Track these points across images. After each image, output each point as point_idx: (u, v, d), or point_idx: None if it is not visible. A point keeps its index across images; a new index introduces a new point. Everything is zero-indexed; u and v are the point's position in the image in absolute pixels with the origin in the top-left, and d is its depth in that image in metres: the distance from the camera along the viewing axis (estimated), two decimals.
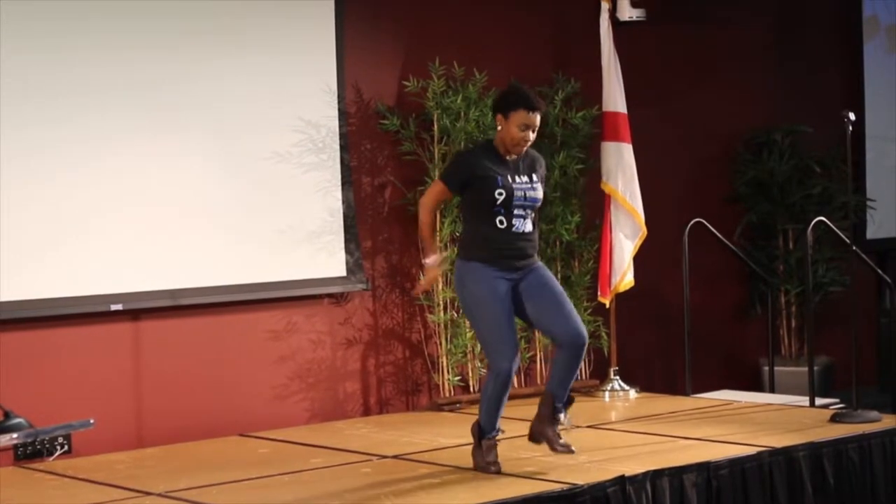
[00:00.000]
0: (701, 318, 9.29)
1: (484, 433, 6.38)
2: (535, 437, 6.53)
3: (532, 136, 6.30)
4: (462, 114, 8.42)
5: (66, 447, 7.19)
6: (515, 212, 6.28)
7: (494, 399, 6.33)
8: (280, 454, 7.16)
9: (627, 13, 9.21)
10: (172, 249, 7.65)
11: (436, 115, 8.40)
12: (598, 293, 8.85)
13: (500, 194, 6.22)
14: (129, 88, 7.52)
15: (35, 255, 7.22)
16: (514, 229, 6.28)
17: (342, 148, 8.26)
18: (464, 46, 8.72)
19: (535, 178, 6.34)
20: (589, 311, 8.95)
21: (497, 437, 6.41)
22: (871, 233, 10.65)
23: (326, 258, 8.16)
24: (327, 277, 8.18)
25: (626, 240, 8.80)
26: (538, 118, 6.28)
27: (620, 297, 8.94)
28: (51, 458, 7.12)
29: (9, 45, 7.12)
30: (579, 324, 6.38)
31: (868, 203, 10.53)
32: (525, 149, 6.33)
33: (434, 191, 6.42)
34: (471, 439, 6.48)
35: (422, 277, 6.47)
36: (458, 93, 8.43)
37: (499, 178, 6.24)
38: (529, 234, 6.34)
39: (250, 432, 7.78)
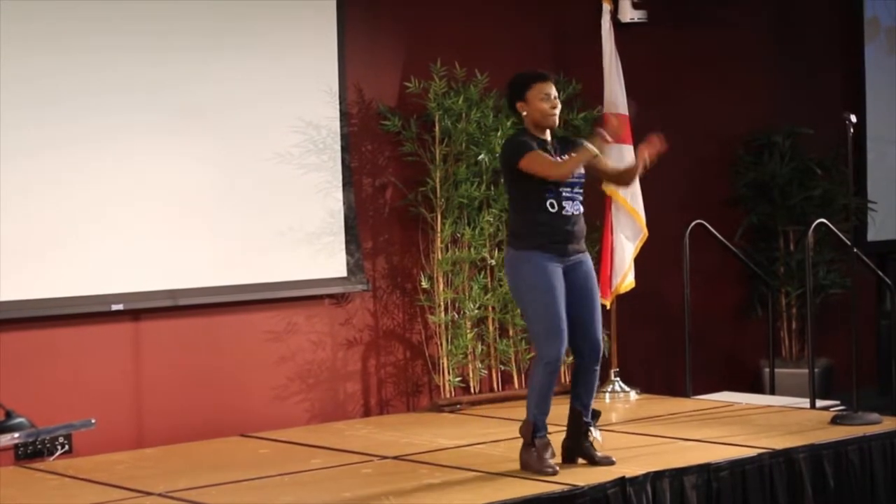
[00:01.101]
0: (701, 320, 9.29)
1: (537, 431, 6.32)
2: (570, 455, 6.49)
3: (558, 103, 6.36)
4: (463, 115, 8.43)
5: (66, 447, 7.19)
6: (564, 193, 6.30)
7: (546, 390, 6.30)
8: (280, 455, 7.16)
9: (629, 15, 9.22)
10: (173, 250, 7.65)
11: (437, 116, 8.40)
12: (599, 294, 8.83)
13: (559, 195, 6.27)
14: (131, 89, 7.52)
15: (36, 255, 7.22)
16: (564, 212, 6.29)
17: (343, 149, 8.26)
18: (465, 47, 8.72)
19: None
20: None
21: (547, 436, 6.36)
22: (872, 235, 10.65)
23: (327, 259, 8.16)
24: (328, 278, 8.18)
25: (627, 241, 8.81)
26: (553, 87, 6.34)
27: (621, 299, 8.94)
28: (51, 458, 7.12)
29: (10, 45, 7.12)
30: (599, 337, 6.48)
31: (869, 205, 10.53)
32: (556, 118, 6.35)
33: (538, 158, 6.25)
34: (471, 440, 6.48)
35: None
36: (459, 94, 8.43)
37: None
38: (578, 216, 6.36)
39: (251, 433, 7.78)
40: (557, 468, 6.26)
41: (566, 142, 6.48)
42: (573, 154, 6.27)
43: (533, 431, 6.32)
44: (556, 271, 6.29)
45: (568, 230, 6.31)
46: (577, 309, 6.38)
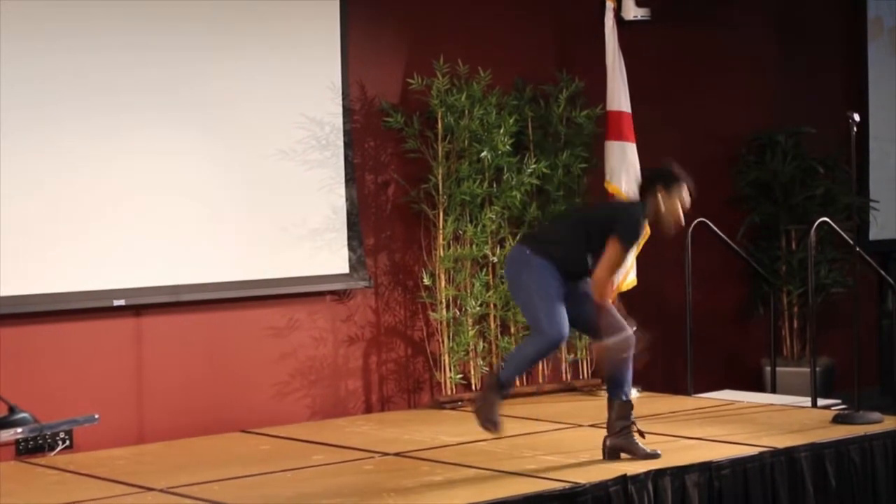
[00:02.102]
0: (703, 319, 9.28)
1: (504, 387, 6.35)
2: (613, 452, 6.52)
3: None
4: (466, 112, 8.42)
5: (67, 442, 7.19)
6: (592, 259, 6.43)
7: (532, 360, 6.40)
8: (281, 451, 7.16)
9: (632, 12, 9.21)
10: (175, 245, 7.65)
11: (440, 113, 8.40)
12: None
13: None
14: (134, 86, 7.51)
15: (38, 251, 7.22)
16: (585, 264, 6.41)
17: (346, 145, 8.26)
18: (468, 44, 8.72)
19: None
20: None
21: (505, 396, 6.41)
22: (874, 234, 10.65)
23: (329, 255, 8.16)
24: (330, 274, 8.18)
25: None
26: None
27: (623, 297, 8.92)
28: (52, 453, 7.12)
29: (11, 43, 7.11)
30: None
31: (871, 204, 10.53)
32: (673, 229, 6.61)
33: (617, 258, 6.38)
34: (472, 437, 6.48)
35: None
36: (462, 91, 8.43)
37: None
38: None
39: (252, 429, 7.78)
40: (501, 427, 6.32)
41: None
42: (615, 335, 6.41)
43: (500, 386, 6.34)
44: (561, 282, 6.39)
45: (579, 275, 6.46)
46: (583, 310, 6.42)
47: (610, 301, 6.41)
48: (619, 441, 6.51)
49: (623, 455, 6.51)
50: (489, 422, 6.33)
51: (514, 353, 6.56)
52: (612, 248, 6.33)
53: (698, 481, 6.33)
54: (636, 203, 6.56)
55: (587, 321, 6.46)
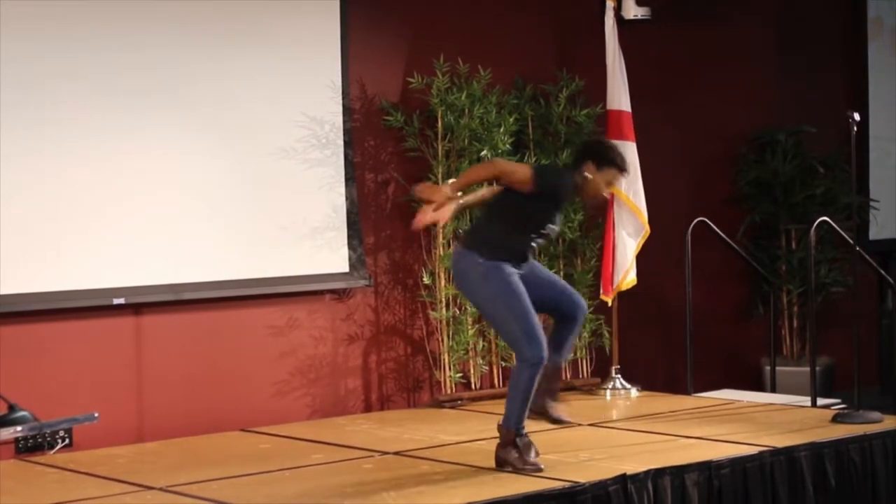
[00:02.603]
0: (703, 318, 9.28)
1: (519, 431, 6.29)
2: (541, 411, 6.46)
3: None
4: (466, 110, 8.42)
5: (66, 441, 7.19)
6: (540, 239, 6.39)
7: (531, 392, 6.26)
8: (281, 450, 7.16)
9: (632, 11, 9.21)
10: (175, 244, 7.65)
11: (440, 112, 8.40)
12: (601, 291, 8.85)
13: (545, 231, 6.34)
14: (133, 86, 7.51)
15: (38, 249, 7.22)
16: (532, 243, 6.35)
17: (346, 144, 8.26)
18: (468, 43, 8.72)
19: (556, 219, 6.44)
20: (591, 309, 8.95)
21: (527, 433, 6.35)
22: (874, 233, 10.65)
23: (329, 254, 8.16)
24: (330, 273, 8.18)
25: (628, 238, 8.80)
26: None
27: (623, 296, 8.94)
28: (52, 452, 7.12)
29: (11, 42, 7.11)
30: (579, 296, 6.55)
31: (871, 204, 10.53)
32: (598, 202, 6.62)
33: (519, 171, 6.29)
34: (472, 436, 6.47)
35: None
36: (462, 89, 8.43)
37: (556, 217, 6.39)
38: (538, 246, 6.52)
39: (251, 427, 7.78)
40: (543, 466, 6.23)
41: None
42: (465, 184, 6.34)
43: (516, 432, 6.28)
44: (519, 278, 6.31)
45: (531, 250, 6.41)
46: (545, 287, 6.41)
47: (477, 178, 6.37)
48: (544, 402, 6.45)
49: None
50: (522, 470, 6.25)
51: (509, 396, 6.33)
52: (521, 166, 6.38)
53: (698, 480, 6.33)
54: (566, 166, 6.64)
55: (548, 302, 6.42)
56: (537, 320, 6.25)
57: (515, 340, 6.27)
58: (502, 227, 6.32)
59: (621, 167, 6.43)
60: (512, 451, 6.28)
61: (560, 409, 6.52)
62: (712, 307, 9.76)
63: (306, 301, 8.18)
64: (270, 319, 8.06)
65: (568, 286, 6.55)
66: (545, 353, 6.21)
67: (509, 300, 6.23)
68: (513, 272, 6.26)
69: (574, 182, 6.36)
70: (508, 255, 6.28)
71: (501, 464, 6.31)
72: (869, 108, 10.65)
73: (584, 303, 6.52)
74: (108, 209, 7.43)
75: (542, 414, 6.45)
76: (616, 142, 8.75)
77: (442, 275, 8.44)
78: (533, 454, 6.29)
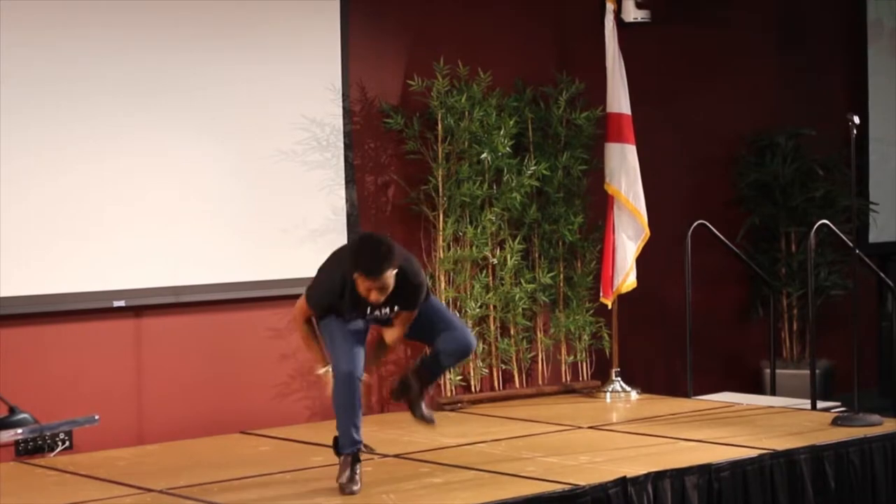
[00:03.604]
0: (703, 320, 9.28)
1: (340, 447, 6.16)
2: (400, 390, 6.40)
3: (382, 290, 5.92)
4: (466, 113, 8.43)
5: (67, 443, 7.19)
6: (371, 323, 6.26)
7: (341, 404, 6.14)
8: (281, 452, 7.16)
9: (632, 14, 9.21)
10: (175, 246, 7.65)
11: (440, 115, 8.40)
12: (601, 294, 8.85)
13: (353, 323, 6.14)
14: (134, 86, 7.51)
15: (38, 251, 7.22)
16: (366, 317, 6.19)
17: (346, 146, 8.26)
18: (468, 46, 8.72)
19: (395, 309, 6.14)
20: (591, 311, 8.97)
21: (359, 451, 6.18)
22: (874, 236, 10.65)
23: None
24: None
25: (628, 241, 8.81)
26: (382, 278, 5.87)
27: (622, 299, 8.94)
28: (52, 454, 7.12)
29: (12, 41, 7.12)
30: (463, 328, 6.36)
31: (871, 206, 10.53)
32: (381, 299, 5.97)
33: (296, 308, 6.25)
34: (472, 439, 6.48)
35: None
36: (462, 92, 8.43)
37: (354, 312, 6.09)
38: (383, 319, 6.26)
39: (252, 430, 7.78)
40: (353, 490, 6.02)
41: (405, 291, 6.10)
42: (319, 347, 6.21)
43: (336, 447, 6.18)
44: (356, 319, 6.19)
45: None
46: (423, 327, 6.27)
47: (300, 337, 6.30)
48: (411, 386, 6.37)
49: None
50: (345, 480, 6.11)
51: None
52: (298, 303, 6.28)
53: (698, 483, 6.34)
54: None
55: (440, 334, 6.29)
56: (356, 340, 6.12)
57: (331, 354, 6.18)
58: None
59: (355, 264, 5.93)
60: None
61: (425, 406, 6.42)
62: (712, 310, 9.76)
63: None
64: (271, 322, 8.06)
65: (450, 321, 6.35)
66: (354, 368, 6.08)
67: (331, 324, 6.14)
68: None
69: (341, 279, 6.05)
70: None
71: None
72: (869, 110, 10.65)
73: (462, 334, 6.30)
74: (108, 212, 7.43)
75: (410, 402, 6.39)
76: (616, 144, 8.81)
77: (442, 277, 8.44)
78: (346, 477, 6.08)
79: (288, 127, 8.06)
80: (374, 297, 5.91)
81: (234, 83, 7.87)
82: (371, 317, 6.15)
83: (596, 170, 8.93)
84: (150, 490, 6.21)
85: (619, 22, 9.01)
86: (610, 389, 8.87)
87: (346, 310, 6.06)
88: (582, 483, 6.01)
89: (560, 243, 8.91)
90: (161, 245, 7.59)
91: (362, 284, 5.90)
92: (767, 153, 10.07)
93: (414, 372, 6.40)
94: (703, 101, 9.95)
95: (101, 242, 7.41)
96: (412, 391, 6.38)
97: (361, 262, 5.90)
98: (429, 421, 6.41)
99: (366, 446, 6.20)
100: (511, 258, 8.62)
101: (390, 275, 5.89)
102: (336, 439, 6.17)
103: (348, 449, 6.11)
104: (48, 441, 7.11)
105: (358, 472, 6.10)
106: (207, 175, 7.79)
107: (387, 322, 6.26)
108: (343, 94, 8.26)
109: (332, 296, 6.06)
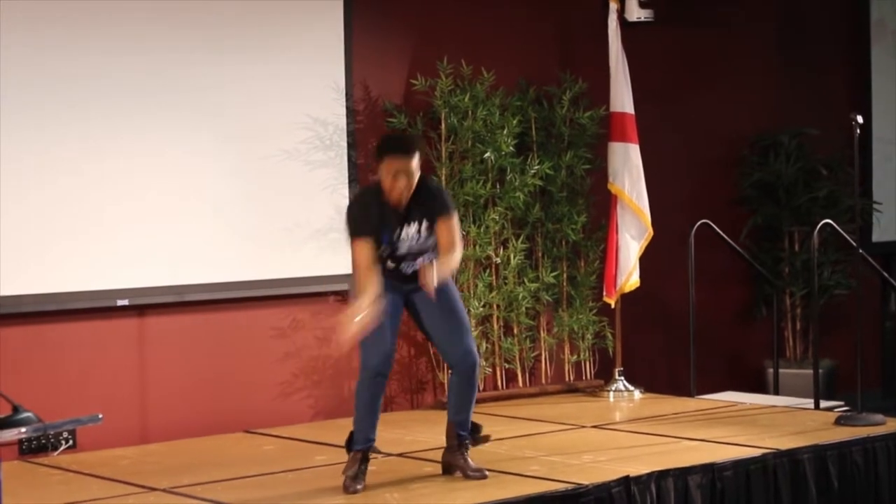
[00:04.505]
0: (706, 320, 9.29)
1: (352, 443, 6.15)
2: (447, 468, 6.32)
3: (409, 181, 5.94)
4: (470, 112, 8.43)
5: (70, 442, 7.19)
6: (404, 261, 6.10)
7: (362, 402, 6.11)
8: (285, 451, 7.17)
9: (636, 14, 9.21)
10: (179, 245, 7.66)
11: (443, 114, 8.41)
12: (604, 293, 8.86)
13: (385, 251, 6.03)
14: (137, 87, 7.51)
15: (42, 250, 7.22)
16: (403, 271, 6.11)
17: (350, 146, 8.26)
18: (472, 45, 8.72)
19: (424, 225, 6.04)
20: (594, 311, 8.96)
21: (370, 454, 6.17)
22: (877, 236, 10.64)
23: (333, 255, 8.15)
24: (333, 275, 8.18)
25: (632, 240, 8.81)
26: (410, 162, 5.90)
27: (626, 298, 8.94)
28: (55, 453, 7.12)
29: (12, 44, 7.12)
30: (471, 343, 6.20)
31: (874, 206, 10.53)
32: (405, 196, 5.97)
33: (356, 258, 6.02)
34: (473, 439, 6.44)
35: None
36: (465, 91, 8.44)
37: (384, 235, 6.02)
38: (417, 271, 6.06)
39: (255, 429, 7.79)
40: (356, 489, 5.99)
41: (428, 199, 6.05)
42: (369, 290, 5.86)
43: (349, 443, 6.16)
44: (393, 294, 6.07)
45: (406, 278, 6.10)
46: (436, 323, 6.19)
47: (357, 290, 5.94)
48: (451, 458, 6.29)
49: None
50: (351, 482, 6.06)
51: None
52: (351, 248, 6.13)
53: (701, 482, 6.34)
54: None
55: (442, 338, 6.21)
56: (387, 330, 6.03)
57: (361, 347, 6.11)
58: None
59: (383, 148, 6.01)
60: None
61: (472, 464, 6.26)
62: (715, 309, 9.76)
63: (310, 302, 8.18)
64: (274, 321, 8.06)
65: (462, 334, 6.18)
66: (382, 364, 6.05)
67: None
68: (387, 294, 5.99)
69: (370, 191, 6.14)
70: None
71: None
72: (872, 110, 10.64)
73: (469, 352, 6.17)
74: (112, 210, 7.44)
75: (458, 470, 6.25)
76: (620, 143, 8.81)
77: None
78: (353, 471, 6.06)
79: (291, 126, 8.06)
80: (400, 187, 5.89)
81: (237, 82, 7.88)
82: (406, 239, 6.02)
83: (599, 169, 8.94)
84: (153, 489, 6.21)
85: (623, 21, 9.01)
86: (613, 389, 8.87)
87: (381, 229, 5.96)
88: (585, 482, 6.01)
89: (563, 242, 8.91)
90: (164, 244, 7.60)
91: (389, 173, 5.90)
92: (771, 152, 10.07)
93: (446, 449, 6.33)
94: (706, 100, 9.95)
95: (105, 241, 7.42)
96: (455, 465, 6.27)
97: (389, 145, 6.01)
98: (482, 476, 6.22)
99: (375, 448, 6.20)
100: (514, 257, 8.63)
101: (416, 163, 5.93)
102: (351, 434, 6.17)
103: (361, 445, 6.13)
104: (51, 440, 7.11)
105: (365, 471, 6.10)
106: (211, 174, 7.79)
107: (423, 247, 6.07)
108: (346, 94, 8.26)
109: (364, 214, 5.99)
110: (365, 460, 6.13)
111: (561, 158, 8.79)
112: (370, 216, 6.00)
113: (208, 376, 7.80)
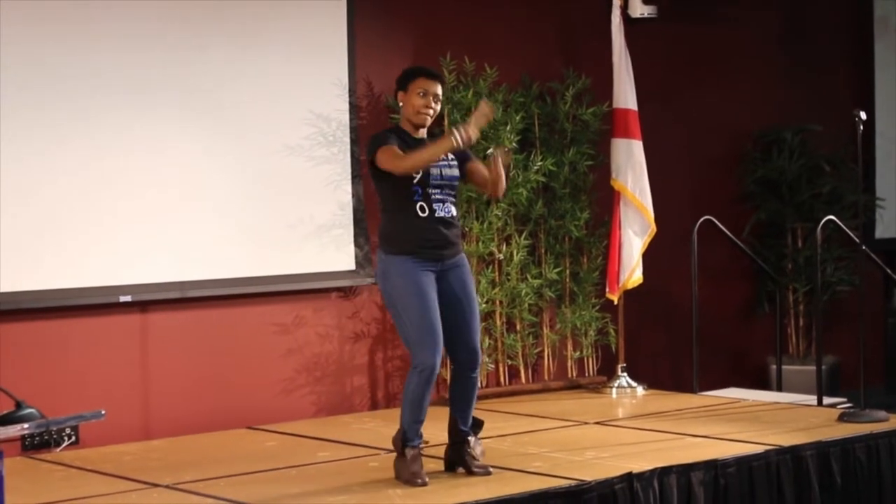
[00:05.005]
0: (709, 316, 9.28)
1: (408, 440, 6.13)
2: (450, 464, 6.32)
3: (435, 105, 6.11)
4: (472, 109, 8.41)
5: (73, 438, 7.20)
6: (434, 194, 6.08)
7: (418, 398, 6.07)
8: (287, 447, 7.17)
9: (639, 10, 9.22)
10: (182, 241, 7.66)
11: (446, 110, 8.39)
12: (607, 290, 8.85)
13: (417, 172, 6.02)
14: (141, 84, 7.52)
15: (44, 247, 7.22)
16: (436, 215, 6.08)
17: (353, 141, 8.26)
18: (475, 41, 8.72)
19: (449, 154, 6.11)
20: (597, 307, 8.96)
21: (421, 447, 6.17)
22: (880, 232, 10.64)
23: (335, 252, 8.17)
24: (336, 271, 8.18)
25: (635, 237, 8.80)
26: (439, 87, 6.12)
27: (629, 294, 8.94)
28: (58, 449, 7.12)
29: (13, 43, 7.12)
30: (476, 343, 6.22)
31: (877, 202, 10.52)
32: (430, 118, 6.13)
33: (388, 152, 6.00)
34: (479, 434, 6.43)
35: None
36: (468, 87, 8.44)
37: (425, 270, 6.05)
38: (452, 219, 6.12)
39: (258, 425, 7.79)
40: (427, 480, 6.02)
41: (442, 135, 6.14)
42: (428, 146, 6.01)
43: (403, 441, 6.14)
44: (429, 278, 6.05)
45: (442, 233, 6.08)
46: (452, 314, 6.13)
47: (410, 164, 5.95)
48: (454, 455, 6.30)
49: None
50: (405, 481, 6.07)
51: (402, 400, 6.19)
52: (381, 164, 6.04)
53: (704, 479, 6.33)
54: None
55: (445, 331, 6.09)
56: (432, 322, 6.01)
57: (409, 342, 6.11)
58: (390, 215, 6.16)
59: (414, 72, 6.17)
60: (403, 462, 6.13)
61: (476, 460, 6.27)
62: (718, 305, 9.76)
63: (313, 299, 8.18)
64: (277, 317, 8.06)
65: (472, 331, 6.20)
66: (435, 359, 6.01)
67: (401, 298, 6.05)
68: (417, 268, 6.02)
69: (391, 128, 6.28)
70: (412, 245, 6.04)
71: (396, 476, 6.16)
72: (875, 106, 10.64)
73: (473, 353, 6.20)
74: (115, 207, 7.44)
75: (462, 467, 6.26)
76: (623, 140, 8.81)
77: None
78: (418, 466, 6.08)
79: (294, 122, 8.06)
80: (427, 104, 6.08)
81: (240, 78, 7.88)
82: (435, 163, 6.04)
83: (602, 165, 8.93)
84: (156, 485, 6.21)
85: (626, 18, 9.01)
86: (616, 385, 8.87)
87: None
88: (588, 478, 6.01)
89: (566, 239, 8.91)
90: (167, 240, 7.60)
91: (418, 93, 6.08)
92: (774, 149, 10.07)
93: (449, 446, 6.35)
94: (709, 96, 9.95)
95: (108, 238, 7.42)
96: (459, 461, 6.29)
97: (421, 68, 6.25)
98: (487, 473, 6.22)
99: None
100: (517, 254, 8.62)
101: (441, 91, 6.16)
102: (402, 433, 6.13)
103: (417, 441, 6.14)
104: (54, 436, 7.11)
105: (422, 464, 6.13)
106: (213, 171, 7.79)
107: (451, 175, 6.13)
108: (350, 90, 8.26)
109: (392, 136, 6.10)
110: (420, 454, 6.14)
111: (564, 155, 8.79)
112: (398, 139, 6.10)
113: (211, 372, 7.81)
